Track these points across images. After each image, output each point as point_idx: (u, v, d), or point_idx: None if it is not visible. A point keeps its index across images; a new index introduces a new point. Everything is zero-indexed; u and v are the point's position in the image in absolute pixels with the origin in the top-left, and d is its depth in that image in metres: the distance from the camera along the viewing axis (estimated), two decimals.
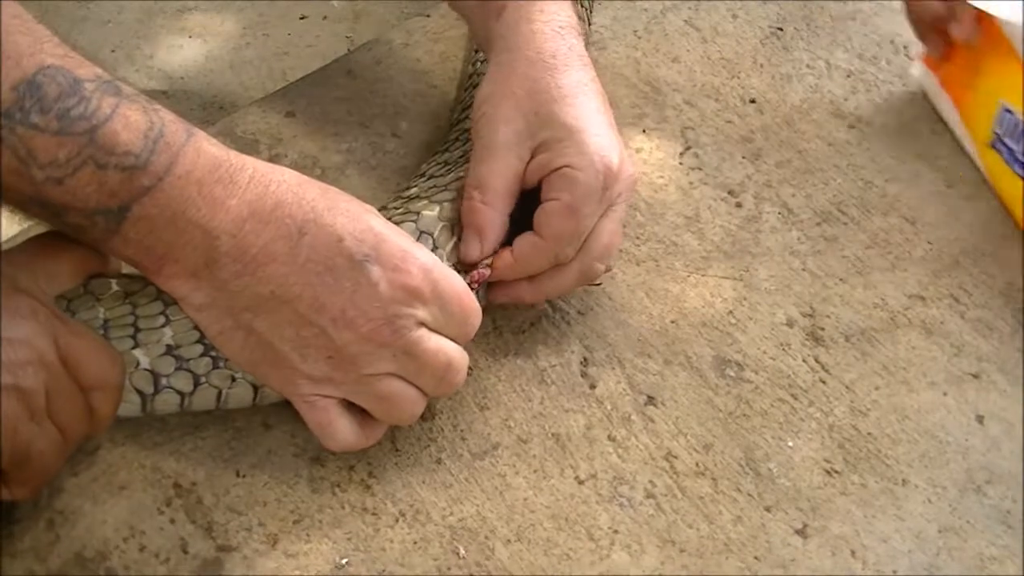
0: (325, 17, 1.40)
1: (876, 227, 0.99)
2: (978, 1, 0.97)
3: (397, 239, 0.74)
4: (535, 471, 0.82)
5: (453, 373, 0.77)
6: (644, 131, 1.06)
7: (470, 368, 0.79)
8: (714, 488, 0.82)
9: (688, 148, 1.05)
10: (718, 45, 1.16)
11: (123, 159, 0.67)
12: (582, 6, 1.07)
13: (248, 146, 1.02)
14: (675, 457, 0.83)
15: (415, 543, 0.78)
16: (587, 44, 1.07)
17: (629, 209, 0.98)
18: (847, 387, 0.88)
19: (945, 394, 0.88)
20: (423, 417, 0.80)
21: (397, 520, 0.79)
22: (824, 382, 0.88)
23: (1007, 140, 0.97)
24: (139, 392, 0.77)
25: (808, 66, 1.14)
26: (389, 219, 0.77)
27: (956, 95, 1.05)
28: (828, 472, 0.83)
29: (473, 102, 0.88)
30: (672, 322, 0.92)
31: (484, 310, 0.80)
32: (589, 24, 1.11)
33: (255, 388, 0.79)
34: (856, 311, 0.93)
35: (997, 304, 0.94)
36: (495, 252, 0.84)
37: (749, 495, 0.81)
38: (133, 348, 0.76)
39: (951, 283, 0.95)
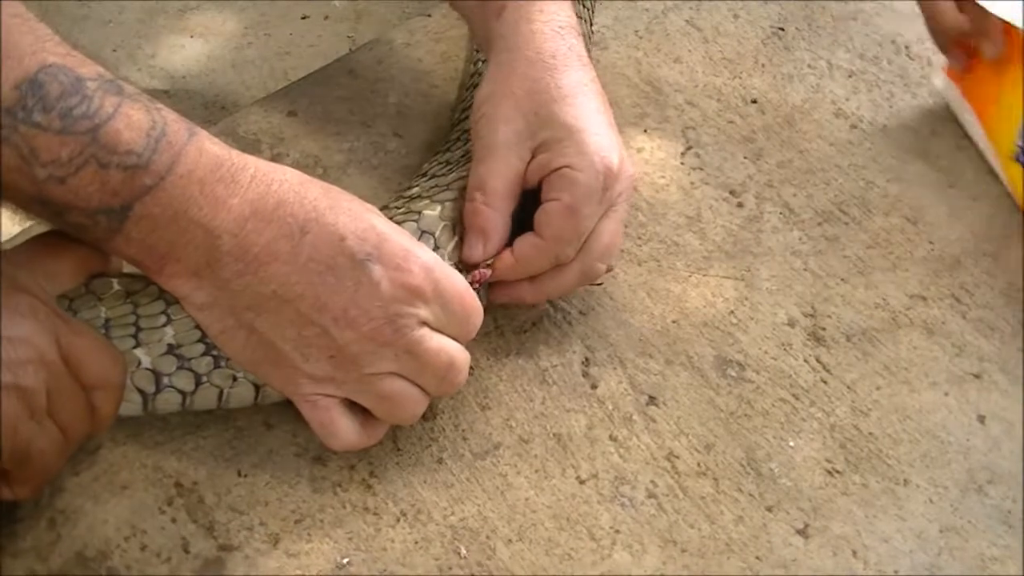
0: (327, 17, 1.40)
1: (877, 227, 0.99)
2: (1001, 11, 0.96)
3: (399, 238, 0.74)
4: (536, 471, 0.82)
5: (455, 372, 0.76)
6: (645, 131, 1.06)
7: (471, 368, 0.79)
8: (715, 488, 0.82)
9: (689, 148, 1.05)
10: (719, 45, 1.16)
11: (125, 158, 0.67)
12: (584, 6, 1.07)
13: (250, 146, 1.02)
14: (676, 457, 0.83)
15: (416, 543, 0.78)
16: (590, 44, 1.08)
17: (630, 209, 0.98)
18: (848, 387, 0.88)
19: (946, 394, 0.88)
20: (424, 417, 0.80)
21: (398, 520, 0.79)
22: (825, 382, 0.88)
23: None
24: (140, 391, 0.77)
25: (809, 66, 1.14)
26: (391, 219, 0.77)
27: (979, 108, 1.04)
28: (829, 472, 0.83)
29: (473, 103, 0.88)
30: (673, 322, 0.92)
31: (485, 310, 0.80)
32: (591, 24, 1.11)
33: (256, 387, 0.79)
34: (857, 311, 0.93)
35: (999, 304, 0.94)
36: (497, 253, 0.84)
37: (750, 495, 0.81)
38: (134, 347, 0.76)
39: (952, 283, 0.95)
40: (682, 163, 1.04)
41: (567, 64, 0.86)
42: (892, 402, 0.87)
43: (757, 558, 0.78)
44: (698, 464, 0.83)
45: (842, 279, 0.95)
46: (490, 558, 0.77)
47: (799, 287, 0.94)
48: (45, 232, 0.74)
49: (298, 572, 0.76)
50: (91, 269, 0.76)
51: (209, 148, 0.71)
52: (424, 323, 0.74)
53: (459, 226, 0.85)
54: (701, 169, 1.03)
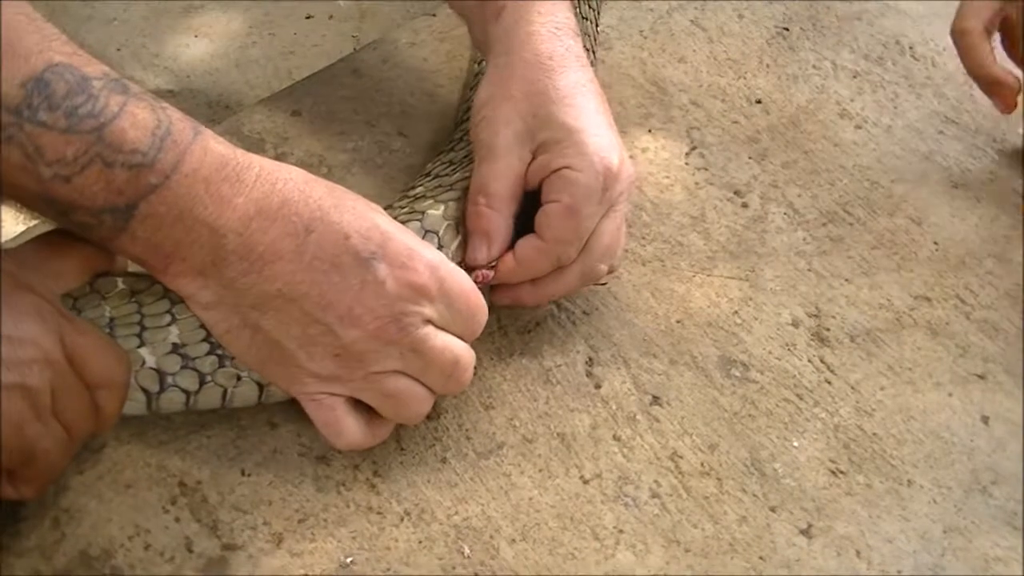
0: (331, 16, 1.40)
1: (882, 227, 0.99)
2: None
3: (403, 237, 0.74)
4: (540, 470, 0.82)
5: (460, 371, 0.77)
6: (650, 131, 1.06)
7: (475, 367, 0.79)
8: (719, 488, 0.82)
9: (694, 148, 1.05)
10: (724, 45, 1.16)
11: (130, 157, 0.67)
12: (590, 7, 1.07)
13: (254, 145, 1.02)
14: (680, 457, 0.83)
15: (420, 542, 0.78)
16: (596, 44, 1.08)
17: (635, 209, 0.98)
18: (852, 387, 0.88)
19: (950, 395, 0.88)
20: (428, 416, 0.80)
21: (402, 519, 0.79)
22: (829, 382, 0.88)
23: None
24: (145, 390, 0.77)
25: (814, 66, 1.14)
26: (395, 218, 0.77)
27: None
28: (833, 472, 0.83)
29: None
30: (678, 322, 0.92)
31: (489, 310, 0.80)
32: (597, 25, 1.11)
33: (260, 387, 0.79)
34: (862, 311, 0.93)
35: (1003, 305, 0.94)
36: (500, 255, 0.84)
37: (754, 495, 0.81)
38: (139, 346, 0.76)
39: (957, 284, 0.95)
40: (686, 163, 1.04)
41: (565, 65, 0.86)
42: (896, 402, 0.87)
43: (761, 558, 0.78)
44: (702, 464, 0.83)
45: (846, 279, 0.95)
46: (494, 557, 0.77)
47: (803, 287, 0.94)
48: (50, 231, 0.75)
49: (302, 571, 0.76)
50: (96, 268, 0.76)
51: (214, 147, 0.71)
52: (429, 321, 0.75)
53: (462, 226, 0.85)
54: (705, 169, 1.03)
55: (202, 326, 0.75)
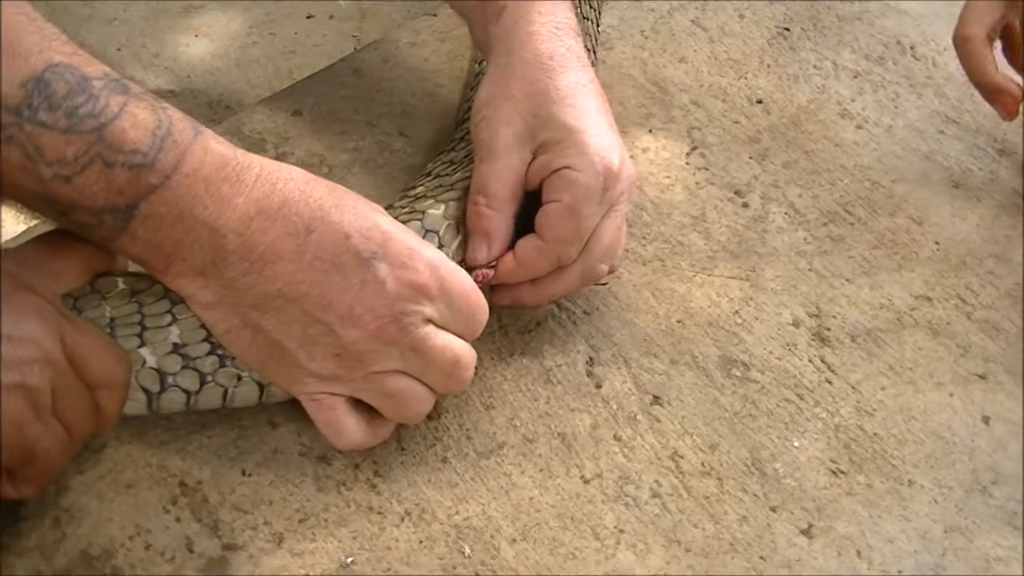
0: (332, 16, 1.40)
1: (883, 227, 0.99)
2: None
3: (404, 237, 0.74)
4: (541, 470, 0.82)
5: (461, 370, 0.77)
6: (651, 131, 1.06)
7: (476, 367, 0.79)
8: (720, 488, 0.82)
9: (695, 148, 1.05)
10: (725, 45, 1.16)
11: (131, 157, 0.67)
12: (591, 7, 1.07)
13: (255, 145, 1.02)
14: (681, 457, 0.83)
15: (420, 542, 0.78)
16: (597, 44, 1.08)
17: (635, 209, 0.98)
18: (853, 387, 0.88)
19: (951, 395, 0.88)
20: (429, 416, 0.80)
21: (403, 519, 0.79)
22: (830, 382, 0.88)
23: None
24: (145, 390, 0.77)
25: (815, 66, 1.14)
26: (395, 218, 0.77)
27: None
28: (834, 472, 0.83)
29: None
30: (678, 322, 0.91)
31: (489, 310, 0.80)
32: (598, 25, 1.11)
33: (261, 387, 0.79)
34: (862, 311, 0.93)
35: (1004, 305, 0.94)
36: (501, 255, 0.84)
37: (755, 495, 0.81)
38: (139, 346, 0.76)
39: (958, 283, 0.95)
40: (687, 163, 1.04)
41: (565, 65, 0.85)
42: (897, 402, 0.87)
43: (761, 558, 0.78)
44: (702, 464, 0.83)
45: (847, 279, 0.95)
46: (494, 557, 0.77)
47: (804, 287, 0.94)
48: (50, 231, 0.75)
49: (302, 571, 0.76)
50: (96, 268, 0.76)
51: (214, 147, 0.71)
52: (430, 321, 0.75)
53: (463, 225, 0.85)
54: (706, 169, 1.03)
55: (203, 326, 0.75)
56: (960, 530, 0.80)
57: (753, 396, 0.87)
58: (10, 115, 0.65)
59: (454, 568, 0.76)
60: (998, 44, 1.01)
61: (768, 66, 1.14)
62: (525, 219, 0.85)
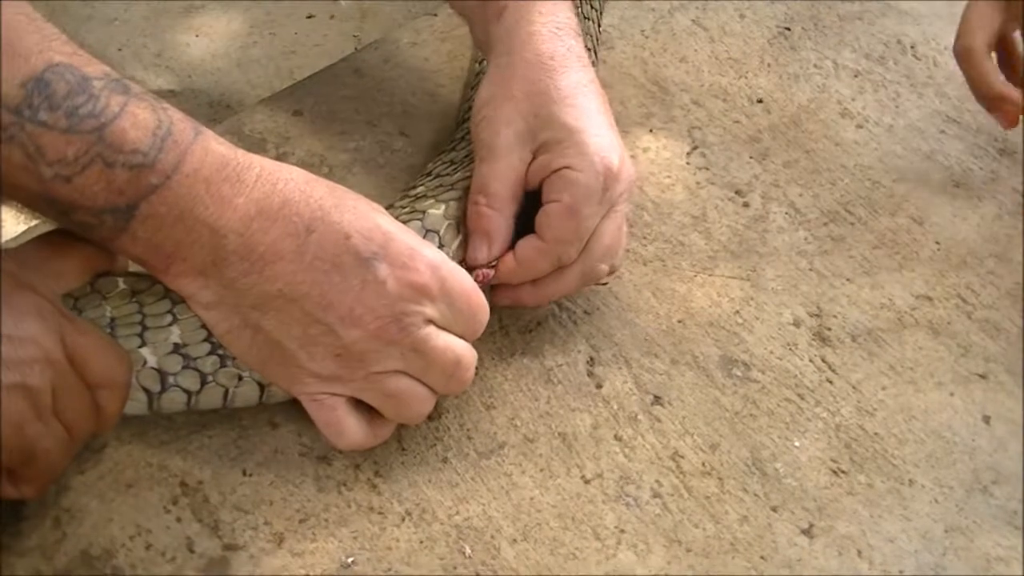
0: (332, 16, 1.40)
1: (883, 227, 0.99)
2: None
3: (405, 237, 0.74)
4: (541, 470, 0.82)
5: (462, 370, 0.77)
6: (651, 131, 1.06)
7: (477, 367, 0.79)
8: (720, 488, 0.82)
9: (695, 148, 1.05)
10: (725, 45, 1.16)
11: (131, 157, 0.67)
12: (592, 7, 1.07)
13: (255, 145, 1.02)
14: (681, 457, 0.83)
15: (421, 542, 0.78)
16: (598, 44, 1.08)
17: (636, 209, 0.98)
18: (854, 387, 0.88)
19: (952, 394, 0.88)
20: (429, 416, 0.80)
21: (403, 519, 0.79)
22: (831, 382, 0.88)
23: None
24: (146, 390, 0.77)
25: (815, 66, 1.14)
26: (396, 218, 0.77)
27: None
28: (834, 472, 0.83)
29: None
30: (679, 322, 0.91)
31: (490, 310, 0.80)
32: (599, 25, 1.11)
33: (262, 387, 0.79)
34: (863, 311, 0.93)
35: (1004, 305, 0.94)
36: (501, 255, 0.84)
37: (755, 495, 0.81)
38: (140, 346, 0.76)
39: (958, 283, 0.95)
40: (688, 163, 1.04)
41: (566, 65, 0.85)
42: (897, 402, 0.87)
43: (762, 558, 0.78)
44: (703, 464, 0.83)
45: (848, 279, 0.95)
46: (495, 557, 0.77)
47: (805, 287, 0.94)
48: (51, 231, 0.75)
49: (303, 571, 0.76)
50: (97, 268, 0.76)
51: (215, 147, 0.71)
52: (430, 321, 0.75)
53: (463, 225, 0.85)
54: (707, 169, 1.03)
55: (203, 326, 0.75)
56: (961, 530, 0.80)
57: (754, 396, 0.87)
58: (11, 115, 0.65)
59: (455, 568, 0.76)
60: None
61: (769, 66, 1.13)
62: (526, 219, 0.84)
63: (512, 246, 0.84)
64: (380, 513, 0.79)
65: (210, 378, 0.77)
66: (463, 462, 0.82)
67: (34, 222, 0.84)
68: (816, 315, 0.92)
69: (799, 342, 0.90)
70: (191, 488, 0.79)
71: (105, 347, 0.72)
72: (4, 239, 0.89)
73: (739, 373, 0.88)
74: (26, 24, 0.67)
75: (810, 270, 0.95)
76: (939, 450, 0.84)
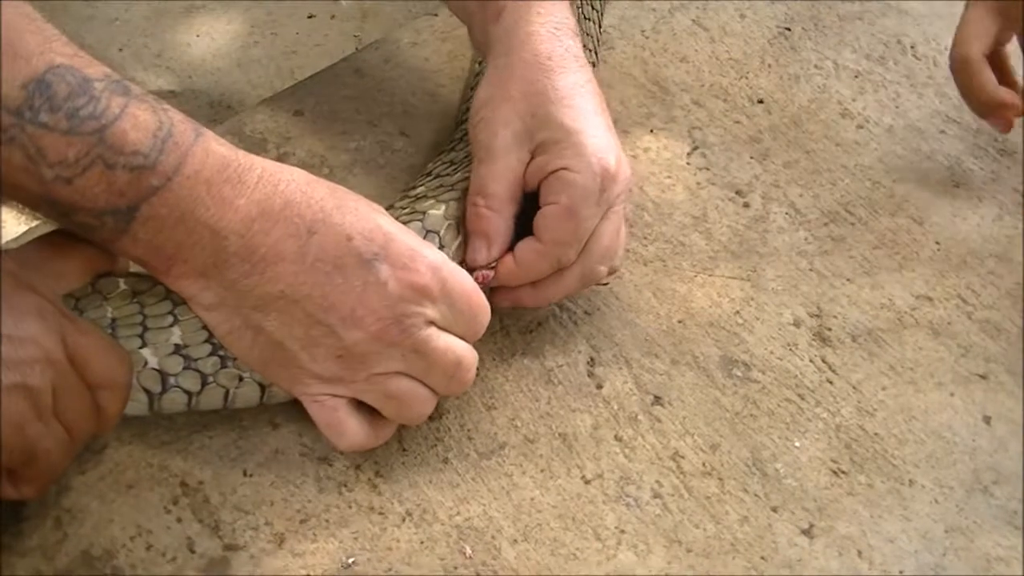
0: (333, 16, 1.40)
1: (883, 227, 0.99)
2: None
3: (406, 238, 0.74)
4: (542, 471, 0.82)
5: (463, 371, 0.77)
6: (652, 131, 1.06)
7: (477, 368, 0.79)
8: (721, 488, 0.82)
9: (696, 148, 1.05)
10: (726, 45, 1.16)
11: (132, 159, 0.68)
12: (593, 7, 1.07)
13: (256, 145, 1.02)
14: (682, 457, 0.83)
15: (422, 543, 0.78)
16: (599, 45, 1.08)
17: (636, 209, 0.98)
18: (854, 387, 0.88)
19: (952, 395, 0.88)
20: (430, 417, 0.80)
21: (404, 520, 0.79)
22: (831, 382, 0.88)
23: None
24: (146, 391, 0.77)
25: (816, 66, 1.14)
26: (396, 218, 0.77)
27: None
28: (835, 472, 0.83)
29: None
30: (679, 322, 0.92)
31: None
32: (600, 25, 1.11)
33: (262, 387, 0.79)
34: (863, 311, 0.93)
35: (1005, 305, 0.94)
36: (501, 256, 0.84)
37: (756, 495, 0.81)
38: (141, 347, 0.76)
39: (958, 283, 0.95)
40: (688, 163, 1.04)
41: (564, 66, 0.85)
42: (898, 402, 0.87)
43: (762, 558, 0.78)
44: (703, 464, 0.83)
45: (848, 279, 0.95)
46: (495, 558, 0.77)
47: (805, 287, 0.94)
48: (52, 231, 0.75)
49: (303, 572, 0.76)
50: (98, 269, 0.76)
51: (216, 149, 0.71)
52: (431, 322, 0.75)
53: (463, 226, 0.85)
54: (707, 169, 1.03)
55: (204, 327, 0.75)
56: (961, 530, 0.80)
57: (754, 396, 0.87)
58: (11, 116, 0.65)
59: (455, 569, 0.77)
60: None
61: (769, 66, 1.14)
62: (525, 221, 0.84)
63: (512, 247, 0.84)
64: (381, 513, 0.79)
65: (211, 379, 0.78)
66: (464, 462, 0.82)
67: (35, 223, 0.84)
68: (816, 315, 0.92)
69: (799, 342, 0.90)
70: (192, 488, 0.79)
71: (106, 348, 0.72)
72: (5, 239, 0.89)
73: (739, 373, 0.88)
74: (27, 25, 0.67)
75: (810, 270, 0.95)
76: (939, 450, 0.84)
